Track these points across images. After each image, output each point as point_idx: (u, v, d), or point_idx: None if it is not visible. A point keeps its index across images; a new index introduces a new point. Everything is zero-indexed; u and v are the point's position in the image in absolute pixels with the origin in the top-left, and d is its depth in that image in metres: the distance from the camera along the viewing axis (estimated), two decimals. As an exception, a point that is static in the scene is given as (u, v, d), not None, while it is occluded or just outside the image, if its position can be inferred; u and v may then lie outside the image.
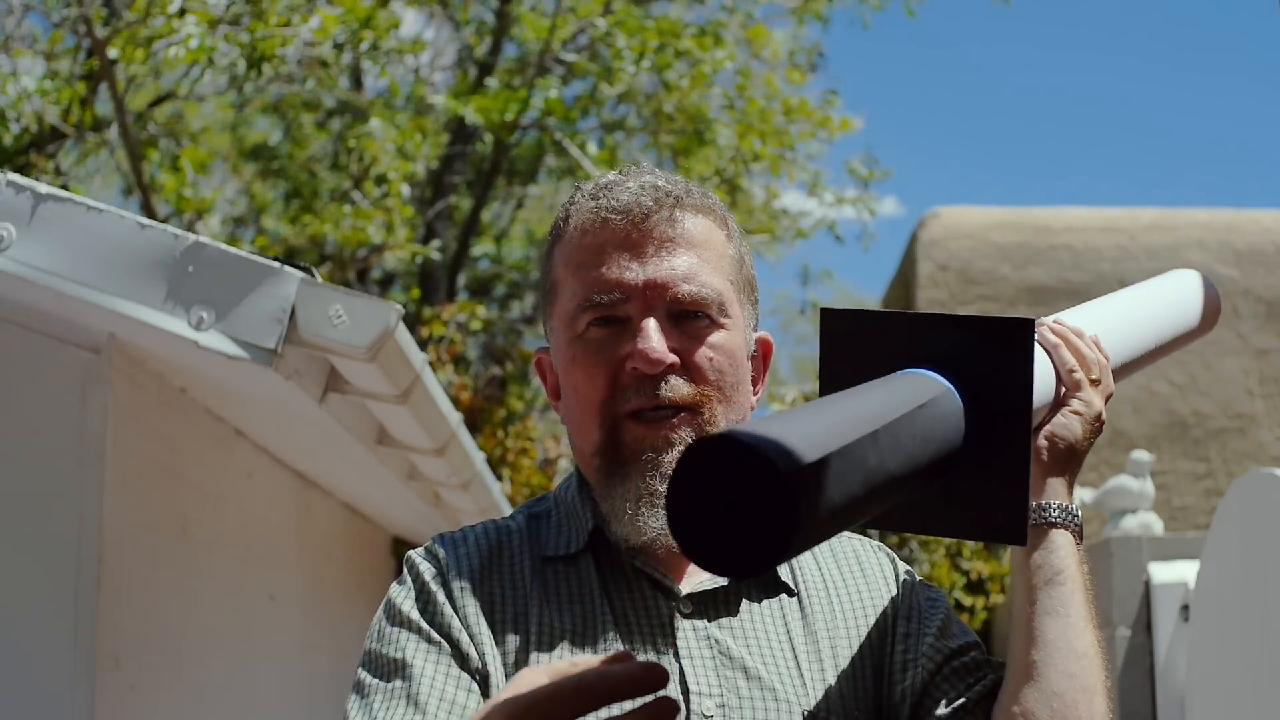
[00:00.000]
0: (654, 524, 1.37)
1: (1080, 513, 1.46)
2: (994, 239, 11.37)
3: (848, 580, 1.52)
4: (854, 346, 1.31)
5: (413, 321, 10.40)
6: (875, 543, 1.58)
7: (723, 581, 1.42)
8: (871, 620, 1.49)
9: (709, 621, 1.41)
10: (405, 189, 10.11)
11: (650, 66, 10.55)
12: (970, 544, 8.98)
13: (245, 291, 2.82)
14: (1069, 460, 1.42)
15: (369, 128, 10.64)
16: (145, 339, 3.00)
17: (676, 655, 1.38)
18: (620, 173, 1.48)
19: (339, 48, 9.01)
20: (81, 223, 2.83)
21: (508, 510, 6.18)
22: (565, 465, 9.29)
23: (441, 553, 1.45)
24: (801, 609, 1.46)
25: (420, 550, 1.47)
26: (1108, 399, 1.48)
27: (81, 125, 8.99)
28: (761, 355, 1.52)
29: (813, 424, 1.07)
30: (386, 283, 14.02)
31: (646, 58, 10.45)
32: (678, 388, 1.39)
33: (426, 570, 1.43)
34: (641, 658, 1.35)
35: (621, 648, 1.37)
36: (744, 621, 1.42)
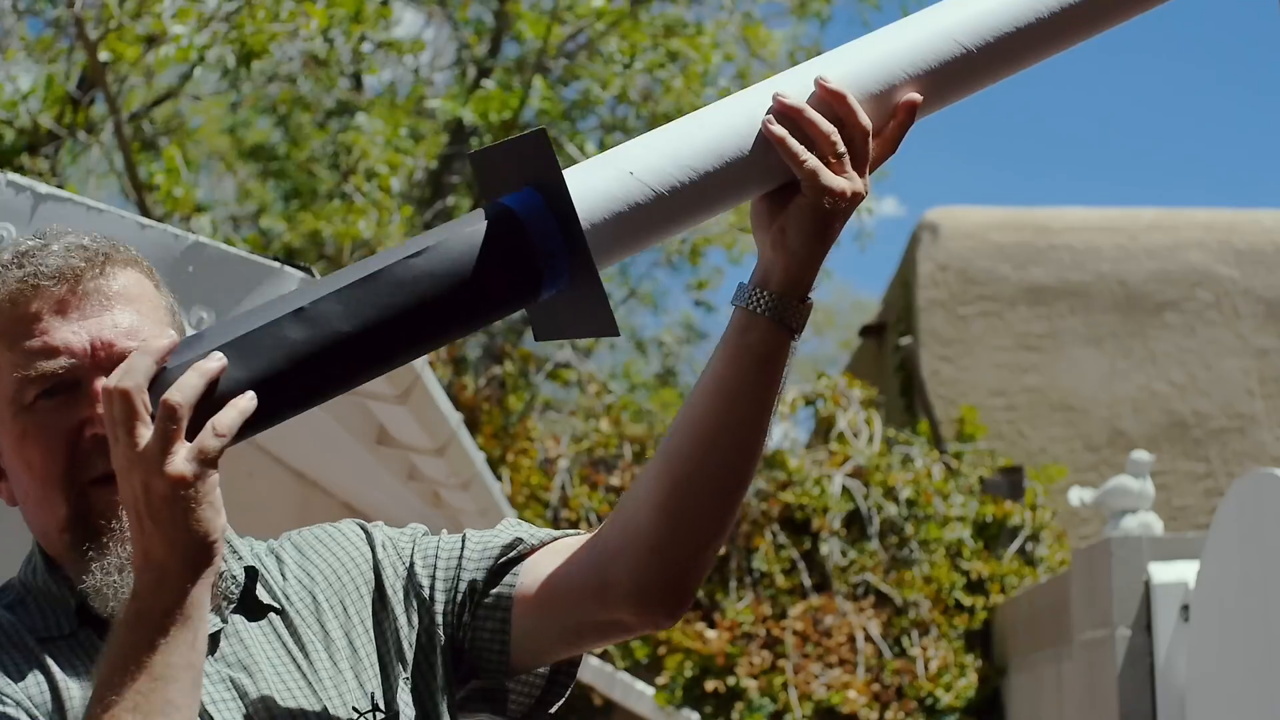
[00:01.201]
0: None
1: (797, 304, 1.39)
2: (994, 239, 11.37)
3: (321, 569, 1.50)
4: (497, 175, 1.37)
5: (413, 321, 10.37)
6: (347, 520, 1.57)
7: (218, 623, 1.39)
8: (363, 594, 1.49)
9: (216, 661, 1.38)
10: (395, 183, 10.09)
11: (643, 68, 10.55)
12: (970, 544, 8.98)
13: (245, 291, 2.82)
14: (803, 244, 1.38)
15: (356, 122, 10.64)
16: (145, 339, 2.99)
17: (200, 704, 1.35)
18: (36, 237, 1.44)
19: (330, 42, 9.00)
20: (81, 223, 2.83)
21: (508, 510, 6.17)
22: (565, 465, 9.30)
23: None
24: (288, 622, 1.45)
25: None
26: (874, 163, 1.40)
27: (74, 127, 9.00)
28: None
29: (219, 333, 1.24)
30: (386, 283, 13.99)
31: (639, 59, 10.45)
32: None
33: None
34: None
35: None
36: (250, 653, 1.40)
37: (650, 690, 8.55)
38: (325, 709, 1.40)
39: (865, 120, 1.38)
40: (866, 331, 13.01)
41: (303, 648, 1.44)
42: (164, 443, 1.19)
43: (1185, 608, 5.87)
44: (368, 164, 10.07)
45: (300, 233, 10.82)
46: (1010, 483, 9.45)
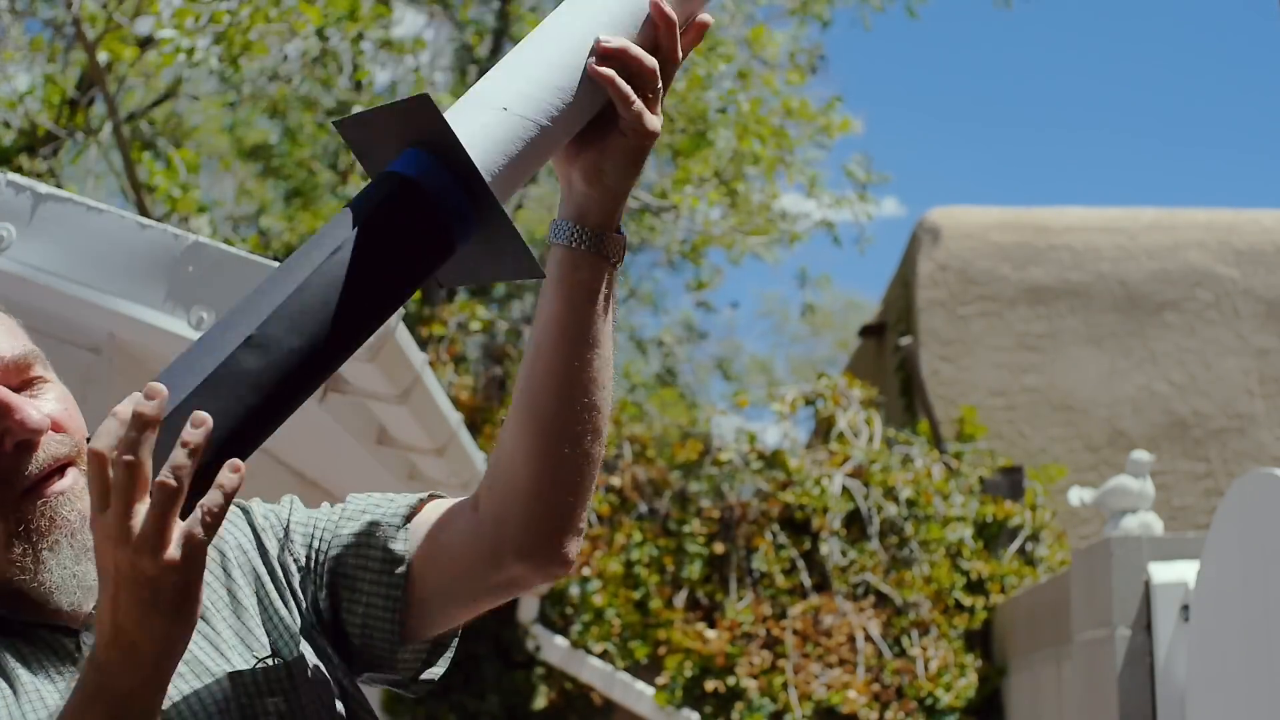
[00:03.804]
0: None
1: (615, 235, 1.40)
2: (994, 239, 11.36)
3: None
4: (374, 142, 1.36)
5: (413, 321, 10.40)
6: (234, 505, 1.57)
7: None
8: (247, 574, 1.50)
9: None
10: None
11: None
12: (970, 544, 8.98)
13: (245, 291, 2.82)
14: (619, 182, 1.39)
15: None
16: (145, 339, 2.99)
17: None
18: None
19: (325, 39, 9.00)
20: (81, 223, 2.83)
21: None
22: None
23: None
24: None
25: None
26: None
27: (73, 128, 9.00)
28: None
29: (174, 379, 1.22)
30: (386, 283, 14.01)
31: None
32: (60, 441, 1.39)
33: None
34: (67, 694, 1.34)
35: (41, 694, 1.35)
36: None
37: (650, 690, 8.55)
38: (240, 672, 1.41)
39: (679, 52, 1.39)
40: (866, 331, 13.01)
41: (205, 618, 1.44)
42: (160, 525, 1.16)
43: (1185, 608, 5.86)
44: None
45: (300, 232, 10.82)
46: (1010, 483, 9.45)
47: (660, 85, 1.36)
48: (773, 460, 9.21)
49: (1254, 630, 4.83)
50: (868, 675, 8.56)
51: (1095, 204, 15.93)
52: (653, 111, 1.36)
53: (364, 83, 12.49)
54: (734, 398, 15.76)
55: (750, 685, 8.48)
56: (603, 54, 1.34)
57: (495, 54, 12.33)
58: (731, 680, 8.51)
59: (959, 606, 8.76)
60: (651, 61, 1.35)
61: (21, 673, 1.36)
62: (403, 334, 3.06)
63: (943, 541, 8.94)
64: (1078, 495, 7.75)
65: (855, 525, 9.05)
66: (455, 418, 4.10)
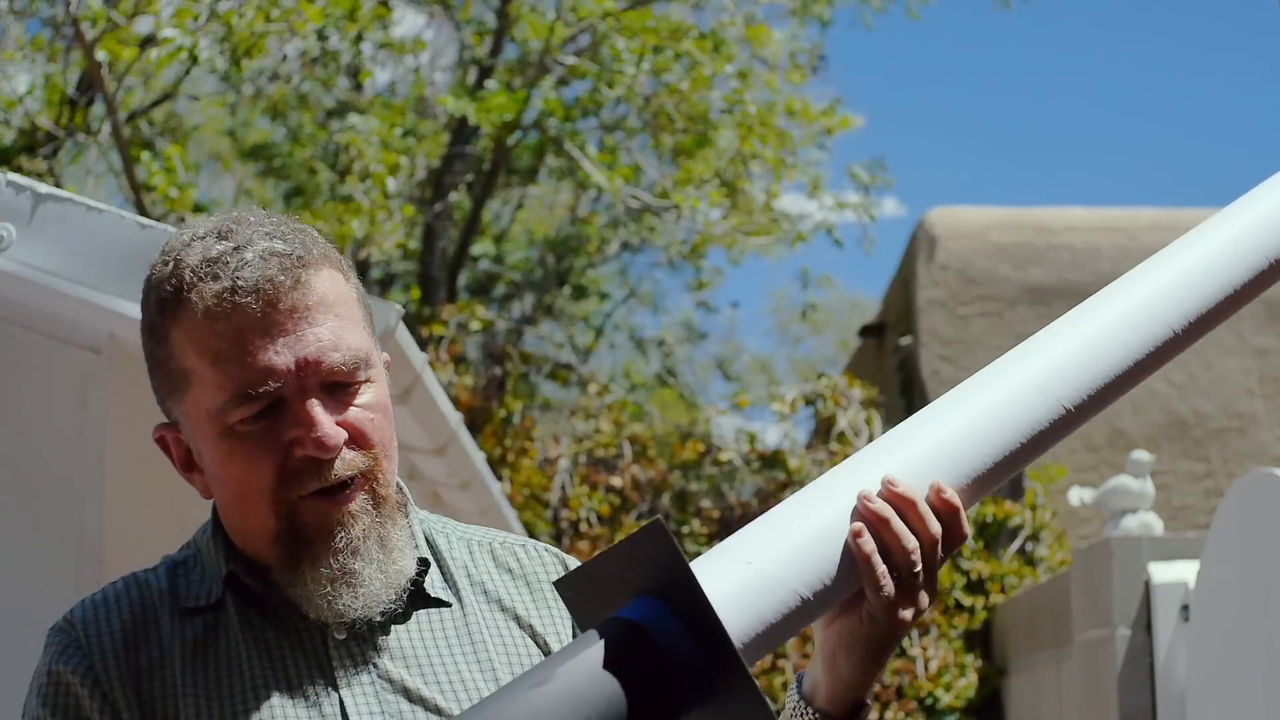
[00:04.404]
0: (355, 604, 1.33)
1: (847, 717, 1.27)
2: (994, 239, 11.37)
3: (510, 588, 1.46)
4: (594, 596, 1.19)
5: (413, 321, 10.40)
6: (547, 547, 1.50)
7: (375, 609, 1.36)
8: (543, 627, 1.44)
9: (365, 645, 1.37)
10: (391, 183, 10.08)
11: (650, 69, 10.56)
12: (970, 544, 8.98)
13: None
14: (854, 673, 1.26)
15: (352, 122, 10.65)
16: (145, 339, 2.99)
17: (334, 685, 1.34)
18: (223, 235, 1.34)
19: (324, 39, 9.00)
20: (82, 223, 2.83)
21: (507, 510, 6.18)
22: (565, 465, 9.30)
23: (80, 626, 1.37)
24: (466, 619, 1.41)
25: (60, 622, 1.38)
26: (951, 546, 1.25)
27: (72, 127, 9.00)
28: None
29: None
30: (386, 283, 14.04)
31: (646, 60, 10.46)
32: (351, 461, 1.34)
33: (61, 655, 1.35)
34: (298, 693, 1.33)
35: (274, 687, 1.34)
36: (401, 641, 1.38)
37: (650, 690, 8.55)
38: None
39: (932, 534, 1.23)
40: (866, 331, 13.03)
41: (470, 649, 1.40)
42: None
43: (1185, 608, 5.87)
44: (363, 164, 10.08)
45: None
46: (1010, 483, 9.46)
47: (918, 571, 1.21)
48: (773, 460, 9.21)
49: (1254, 630, 4.83)
50: (868, 675, 8.57)
51: (1095, 204, 15.94)
52: (908, 600, 1.21)
53: (362, 83, 12.50)
54: (734, 398, 15.76)
55: (750, 685, 8.48)
56: (863, 516, 1.20)
57: (496, 54, 12.33)
58: (731, 680, 8.52)
59: (959, 606, 8.76)
60: (911, 542, 1.20)
61: (257, 674, 1.34)
62: (403, 334, 3.06)
63: (943, 541, 8.95)
64: (1078, 495, 7.75)
65: (855, 525, 9.06)
66: (455, 418, 4.10)
